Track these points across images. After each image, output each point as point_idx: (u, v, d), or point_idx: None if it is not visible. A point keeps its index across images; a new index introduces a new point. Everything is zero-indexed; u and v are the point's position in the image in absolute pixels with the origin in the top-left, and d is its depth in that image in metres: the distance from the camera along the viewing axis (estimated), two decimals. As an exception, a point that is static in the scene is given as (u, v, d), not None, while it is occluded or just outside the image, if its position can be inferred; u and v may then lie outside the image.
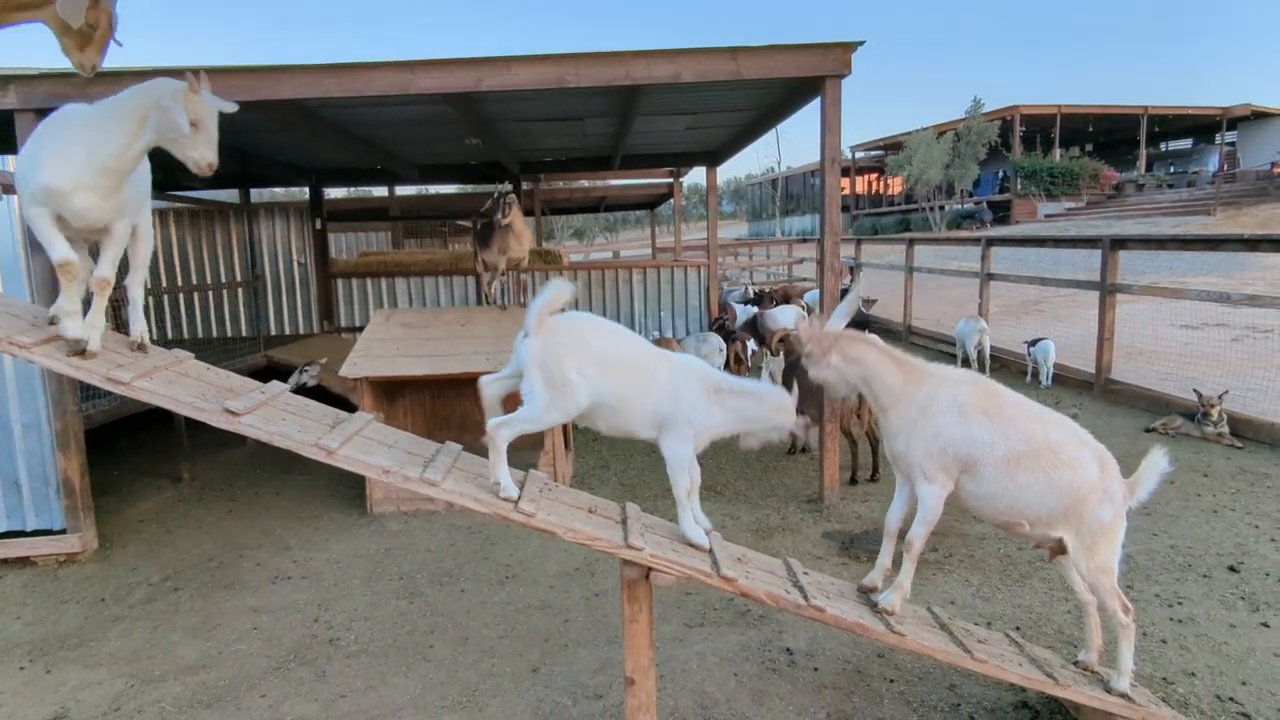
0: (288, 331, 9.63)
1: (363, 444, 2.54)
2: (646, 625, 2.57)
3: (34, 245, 4.50)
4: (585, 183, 16.33)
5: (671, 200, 15.83)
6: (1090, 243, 8.73)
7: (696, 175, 13.60)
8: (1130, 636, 2.73)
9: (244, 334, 9.28)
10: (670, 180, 13.67)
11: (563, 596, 4.10)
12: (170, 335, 9.26)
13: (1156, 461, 2.74)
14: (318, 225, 9.51)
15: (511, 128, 7.26)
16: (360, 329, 9.14)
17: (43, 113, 4.53)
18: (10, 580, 4.54)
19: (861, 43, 4.90)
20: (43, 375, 4.55)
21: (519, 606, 4.01)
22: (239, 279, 9.39)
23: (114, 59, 2.87)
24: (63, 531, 4.73)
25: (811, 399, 5.78)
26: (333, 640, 3.74)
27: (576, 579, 4.30)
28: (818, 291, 12.85)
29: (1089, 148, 37.25)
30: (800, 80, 5.30)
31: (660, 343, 8.19)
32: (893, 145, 35.06)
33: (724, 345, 8.47)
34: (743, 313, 10.24)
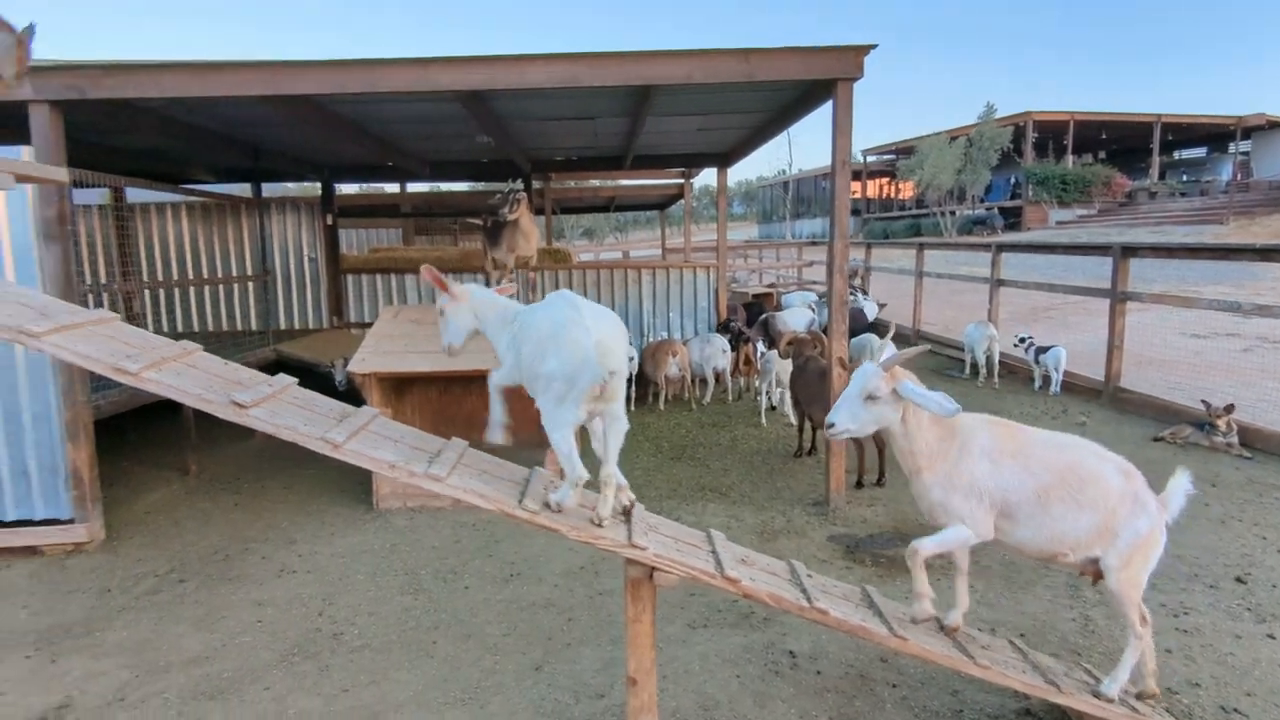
0: (297, 326, 9.66)
1: (369, 439, 2.55)
2: (649, 625, 2.57)
3: (47, 237, 4.55)
4: (596, 182, 16.34)
5: (682, 201, 15.85)
6: (1101, 250, 8.69)
7: (707, 176, 13.62)
8: (1139, 650, 2.73)
9: (253, 328, 9.31)
10: (681, 181, 13.67)
11: (567, 595, 4.11)
12: (180, 328, 9.31)
13: (1181, 482, 2.79)
14: (329, 220, 9.54)
15: (523, 126, 7.27)
16: (370, 324, 9.16)
17: (56, 104, 4.62)
18: (18, 569, 4.57)
19: (874, 46, 4.89)
20: (53, 365, 4.59)
21: (523, 604, 4.01)
22: (250, 273, 9.43)
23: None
24: (70, 521, 4.76)
25: (818, 402, 5.77)
26: (336, 635, 3.75)
27: (581, 578, 4.30)
28: (809, 295, 12.86)
29: (1102, 155, 37.10)
30: (812, 83, 5.31)
31: (664, 344, 8.24)
32: (904, 149, 35.02)
33: (728, 346, 8.47)
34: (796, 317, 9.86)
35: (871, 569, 4.38)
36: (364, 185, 19.24)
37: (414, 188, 15.29)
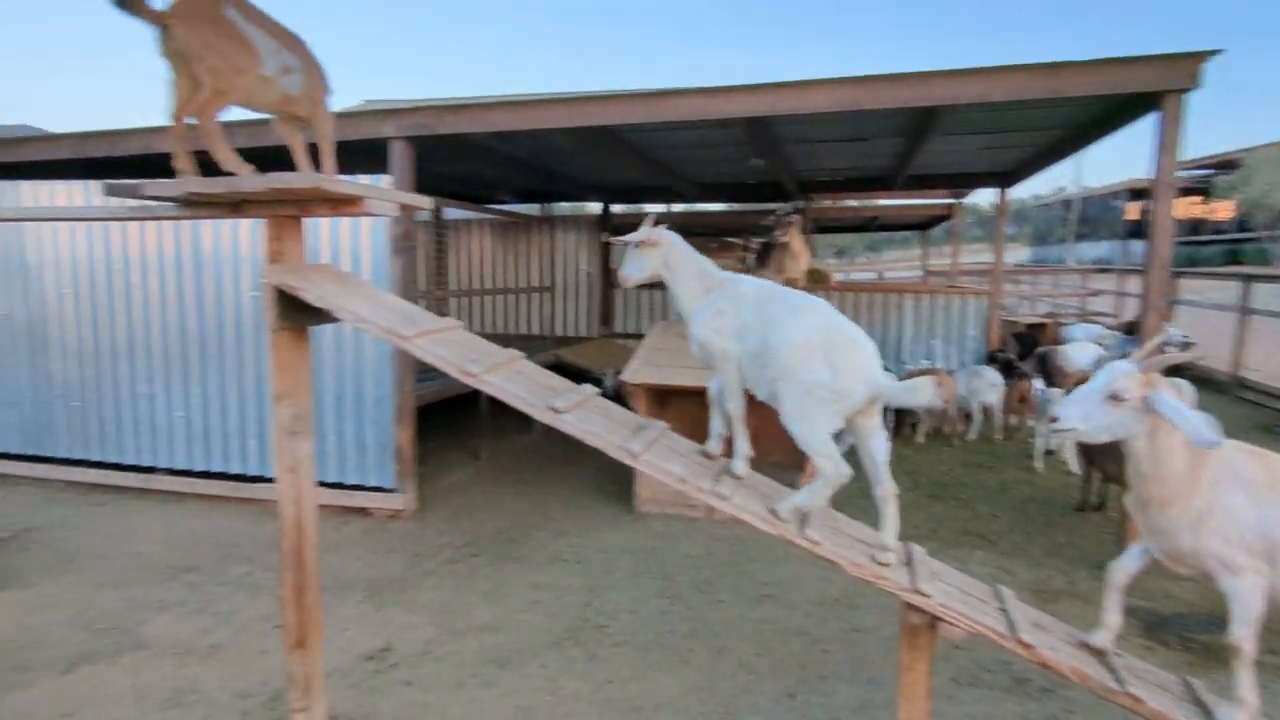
0: (571, 333, 10.55)
1: (661, 451, 2.73)
2: (924, 675, 2.47)
3: (396, 251, 5.41)
4: (854, 202, 15.93)
5: (946, 221, 14.94)
6: None
7: (974, 195, 12.75)
8: None
9: (536, 333, 10.32)
10: (950, 201, 12.90)
11: (820, 625, 4.05)
12: (479, 331, 10.57)
13: None
14: (604, 238, 10.30)
15: (797, 149, 7.31)
16: (632, 335, 9.74)
17: (410, 140, 5.47)
18: (354, 526, 5.48)
19: (1217, 51, 4.29)
20: (393, 358, 5.44)
21: (776, 627, 4.03)
22: (537, 284, 10.47)
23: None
24: (393, 491, 5.61)
25: (1112, 453, 5.13)
26: (601, 627, 4.03)
27: (834, 609, 4.23)
28: (1095, 328, 11.34)
29: None
30: (1127, 96, 4.77)
31: (926, 373, 7.79)
32: (1224, 164, 29.95)
33: (998, 380, 7.80)
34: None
35: (1179, 653, 3.81)
36: (631, 205, 20.46)
37: (676, 207, 15.97)
